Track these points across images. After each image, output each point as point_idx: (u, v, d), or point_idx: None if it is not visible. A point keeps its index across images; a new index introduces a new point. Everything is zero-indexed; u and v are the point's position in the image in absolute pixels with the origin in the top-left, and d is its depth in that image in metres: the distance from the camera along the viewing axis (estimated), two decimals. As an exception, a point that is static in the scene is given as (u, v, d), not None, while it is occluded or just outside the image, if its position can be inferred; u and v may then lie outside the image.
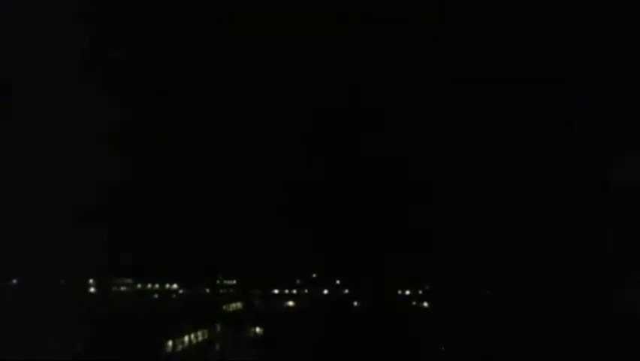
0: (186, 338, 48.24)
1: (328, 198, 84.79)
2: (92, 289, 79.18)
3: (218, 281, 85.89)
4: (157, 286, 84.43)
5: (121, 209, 76.58)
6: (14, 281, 71.64)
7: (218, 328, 56.14)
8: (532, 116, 73.62)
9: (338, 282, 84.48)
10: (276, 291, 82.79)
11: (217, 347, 52.88)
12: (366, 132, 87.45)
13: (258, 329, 58.05)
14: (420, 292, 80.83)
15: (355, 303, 79.12)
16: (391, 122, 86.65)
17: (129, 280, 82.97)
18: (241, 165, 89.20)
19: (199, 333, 51.26)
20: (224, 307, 69.47)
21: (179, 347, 46.35)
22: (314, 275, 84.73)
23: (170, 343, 44.68)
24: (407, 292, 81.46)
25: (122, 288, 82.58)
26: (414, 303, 78.40)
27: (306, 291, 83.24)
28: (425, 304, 77.47)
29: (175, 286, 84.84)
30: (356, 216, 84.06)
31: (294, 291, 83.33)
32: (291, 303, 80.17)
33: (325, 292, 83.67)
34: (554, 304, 52.24)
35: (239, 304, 74.24)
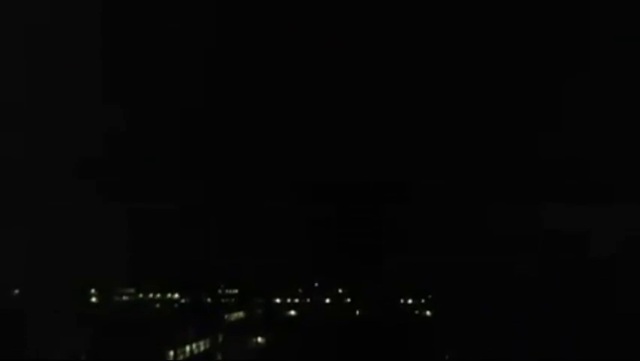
0: (188, 348, 48.06)
1: (330, 204, 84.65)
2: (93, 299, 78.94)
3: (219, 291, 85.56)
4: (158, 295, 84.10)
5: (122, 216, 76.54)
6: (16, 292, 71.44)
7: (220, 337, 55.95)
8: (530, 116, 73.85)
9: (340, 291, 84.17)
10: (278, 300, 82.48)
11: (219, 356, 52.65)
12: (368, 137, 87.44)
13: (260, 339, 57.87)
14: (422, 300, 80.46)
15: (357, 312, 78.81)
16: (393, 128, 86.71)
17: (131, 290, 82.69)
18: (243, 171, 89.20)
19: (201, 343, 51.07)
20: (225, 316, 69.21)
21: (181, 357, 46.16)
22: (316, 284, 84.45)
23: (171, 353, 44.50)
24: (410, 301, 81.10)
25: (124, 298, 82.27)
26: (417, 312, 78.04)
27: (308, 300, 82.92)
28: (428, 312, 77.11)
29: (177, 295, 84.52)
30: (358, 224, 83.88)
31: (296, 300, 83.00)
32: (292, 312, 79.86)
33: (327, 300, 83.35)
34: (559, 311, 51.97)
35: (240, 314, 73.99)
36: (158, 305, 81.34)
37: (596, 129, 64.79)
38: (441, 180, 78.44)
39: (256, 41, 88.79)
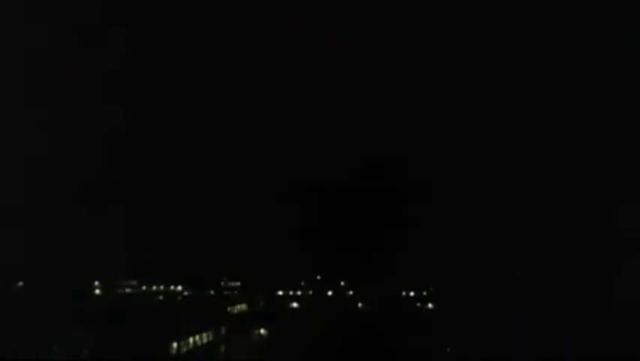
0: (191, 340, 48.29)
1: (333, 199, 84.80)
2: (97, 291, 79.43)
3: (222, 283, 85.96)
4: (162, 288, 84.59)
5: (127, 210, 76.88)
6: (20, 283, 71.93)
7: (223, 330, 56.20)
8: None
9: (342, 283, 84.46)
10: (281, 293, 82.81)
11: (222, 348, 52.94)
12: (368, 134, 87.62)
13: (262, 331, 58.17)
14: (424, 293, 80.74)
15: (360, 304, 79.10)
16: (392, 124, 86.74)
17: (134, 282, 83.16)
18: (246, 166, 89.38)
19: (204, 335, 51.32)
20: (228, 309, 69.50)
21: (184, 349, 46.42)
22: (318, 277, 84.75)
23: (174, 345, 44.75)
24: (411, 294, 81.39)
25: (127, 290, 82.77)
26: (418, 304, 78.30)
27: (311, 293, 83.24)
28: (430, 305, 77.37)
29: (180, 288, 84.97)
30: (360, 217, 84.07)
31: (299, 293, 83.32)
32: (295, 305, 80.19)
33: (329, 293, 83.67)
34: (561, 306, 52.05)
35: (243, 306, 74.27)
36: (161, 297, 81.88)
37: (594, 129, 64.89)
38: (444, 180, 78.69)
39: (255, 43, 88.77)
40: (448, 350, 47.36)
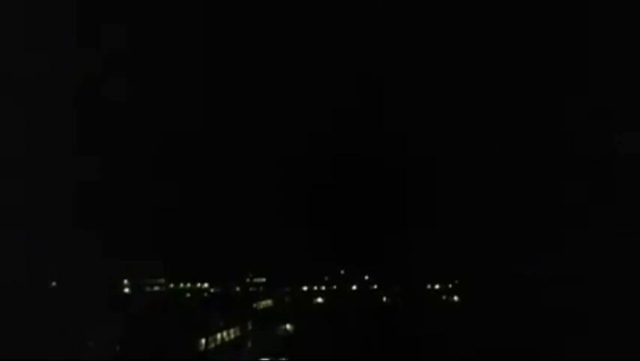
0: (218, 336, 49.11)
1: (356, 196, 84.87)
2: (126, 290, 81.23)
3: (248, 279, 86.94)
4: (189, 285, 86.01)
5: (154, 211, 78.25)
6: (53, 284, 74.02)
7: (250, 325, 56.94)
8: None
9: (367, 277, 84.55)
10: (305, 288, 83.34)
11: (249, 343, 53.65)
12: (388, 127, 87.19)
13: (288, 326, 58.74)
14: (449, 286, 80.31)
15: (384, 298, 79.09)
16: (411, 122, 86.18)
17: (162, 280, 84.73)
18: (267, 166, 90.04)
19: (231, 331, 52.12)
20: (254, 304, 70.29)
21: (212, 345, 47.25)
22: (342, 271, 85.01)
23: (202, 341, 45.62)
24: (437, 287, 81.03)
25: (156, 288, 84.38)
26: (443, 297, 77.92)
27: (335, 287, 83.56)
28: (455, 298, 76.93)
29: (206, 285, 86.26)
30: (383, 212, 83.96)
31: (323, 287, 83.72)
32: (320, 300, 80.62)
33: (354, 287, 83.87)
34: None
35: (269, 302, 75.02)
36: (188, 295, 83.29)
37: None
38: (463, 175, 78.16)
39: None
40: (473, 344, 47.07)
